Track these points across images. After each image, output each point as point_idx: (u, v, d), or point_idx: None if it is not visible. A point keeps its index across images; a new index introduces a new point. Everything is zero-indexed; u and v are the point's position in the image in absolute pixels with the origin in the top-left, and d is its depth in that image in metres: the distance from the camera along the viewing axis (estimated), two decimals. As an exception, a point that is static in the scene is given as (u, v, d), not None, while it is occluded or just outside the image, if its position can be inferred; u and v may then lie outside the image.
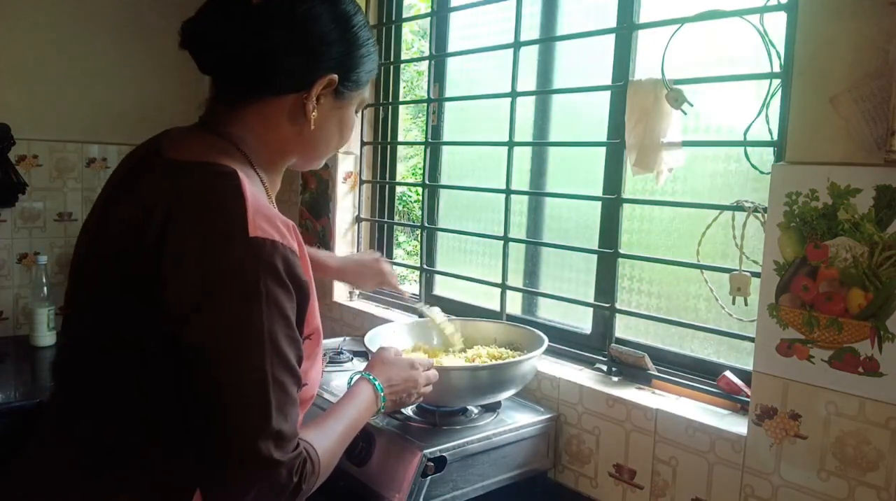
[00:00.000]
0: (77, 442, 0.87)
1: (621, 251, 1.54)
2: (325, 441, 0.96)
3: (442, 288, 2.10)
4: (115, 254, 0.86)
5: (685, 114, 1.36)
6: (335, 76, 0.93)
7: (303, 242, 0.90)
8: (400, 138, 2.33)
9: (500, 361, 1.44)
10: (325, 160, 1.06)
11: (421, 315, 1.66)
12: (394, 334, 1.59)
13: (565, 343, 1.66)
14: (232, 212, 0.81)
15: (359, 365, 1.75)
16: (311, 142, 0.98)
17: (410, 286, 2.32)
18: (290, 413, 0.83)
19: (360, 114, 1.08)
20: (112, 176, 0.98)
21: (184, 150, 0.89)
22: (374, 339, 1.48)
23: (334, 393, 1.54)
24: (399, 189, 2.44)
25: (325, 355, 1.77)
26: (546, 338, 1.48)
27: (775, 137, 1.25)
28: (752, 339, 1.25)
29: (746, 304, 1.29)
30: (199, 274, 0.79)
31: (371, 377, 1.14)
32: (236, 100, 0.93)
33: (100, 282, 0.88)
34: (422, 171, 2.07)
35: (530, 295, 1.86)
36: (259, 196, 0.86)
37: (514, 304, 1.86)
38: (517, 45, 1.73)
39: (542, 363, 1.55)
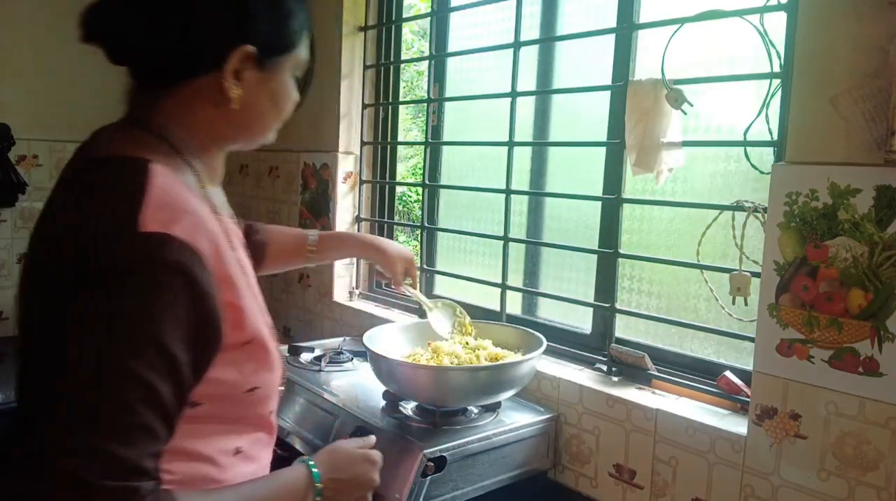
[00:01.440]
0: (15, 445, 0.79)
1: (621, 251, 1.53)
2: None
3: (442, 288, 2.10)
4: (31, 257, 0.83)
5: (685, 114, 1.36)
6: (250, 47, 0.84)
7: (227, 247, 0.83)
8: (400, 138, 2.33)
9: (499, 362, 1.44)
10: (272, 135, 0.97)
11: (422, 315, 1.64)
12: (393, 334, 1.59)
13: (565, 343, 1.66)
14: (124, 205, 0.74)
15: (359, 364, 1.75)
16: (243, 121, 0.90)
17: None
18: (137, 439, 0.70)
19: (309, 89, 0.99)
20: None
21: (106, 146, 0.85)
22: (374, 339, 1.48)
23: (334, 393, 1.54)
24: (399, 189, 2.44)
25: (324, 355, 1.77)
26: (544, 340, 1.48)
27: (775, 137, 1.25)
28: (752, 339, 1.25)
29: (746, 304, 1.28)
30: (80, 268, 0.73)
31: (311, 463, 0.94)
32: (151, 90, 0.88)
33: (25, 288, 0.84)
34: (422, 171, 2.07)
35: (530, 295, 1.86)
36: (174, 189, 0.79)
37: (514, 304, 1.86)
38: (517, 44, 1.73)
39: (541, 363, 1.55)
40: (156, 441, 0.73)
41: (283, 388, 0.98)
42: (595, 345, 1.62)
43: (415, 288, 1.54)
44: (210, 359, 0.80)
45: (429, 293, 2.09)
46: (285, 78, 0.91)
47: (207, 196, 0.89)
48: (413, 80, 4.05)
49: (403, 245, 1.54)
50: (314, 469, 0.93)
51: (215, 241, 0.79)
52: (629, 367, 1.51)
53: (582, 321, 1.70)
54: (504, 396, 1.44)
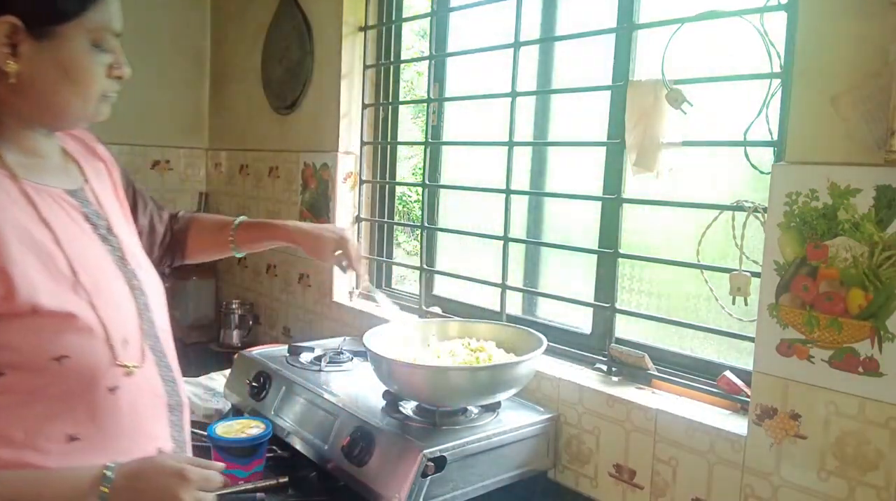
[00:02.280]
0: None
1: (621, 251, 1.54)
2: None
3: (442, 288, 2.10)
4: None
5: (685, 113, 1.36)
6: (11, 17, 0.83)
7: (5, 210, 0.85)
8: (400, 138, 2.33)
9: (499, 362, 1.44)
10: (89, 111, 0.94)
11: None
12: (393, 334, 1.59)
13: (565, 343, 1.66)
14: None
15: (359, 364, 1.75)
16: (34, 97, 0.89)
17: (411, 285, 2.32)
18: None
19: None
20: None
21: None
22: (374, 339, 1.48)
23: (334, 393, 1.54)
24: (399, 189, 2.44)
25: (324, 355, 1.77)
26: (545, 340, 1.48)
27: (775, 137, 1.25)
28: (752, 339, 1.25)
29: (746, 304, 1.28)
30: None
31: (109, 465, 0.86)
32: None
33: None
34: (421, 171, 2.08)
35: (530, 295, 1.86)
36: None
37: (514, 304, 1.86)
38: (517, 44, 1.73)
39: (541, 363, 1.55)
40: None
41: (133, 366, 0.93)
42: (595, 345, 1.62)
43: (355, 270, 1.39)
44: None
45: (428, 292, 2.09)
46: (74, 47, 0.88)
47: (5, 163, 0.88)
48: (413, 80, 4.05)
49: (338, 228, 1.42)
50: (108, 473, 0.85)
51: None
52: (629, 367, 1.51)
53: (582, 321, 1.70)
54: (504, 396, 1.44)
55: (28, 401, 0.85)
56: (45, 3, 0.85)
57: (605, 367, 1.56)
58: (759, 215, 1.24)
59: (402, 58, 2.29)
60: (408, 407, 1.47)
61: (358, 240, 2.30)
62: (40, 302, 0.84)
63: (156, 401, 0.99)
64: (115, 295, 0.95)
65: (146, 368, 0.97)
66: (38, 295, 0.84)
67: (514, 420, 1.45)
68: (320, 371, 1.70)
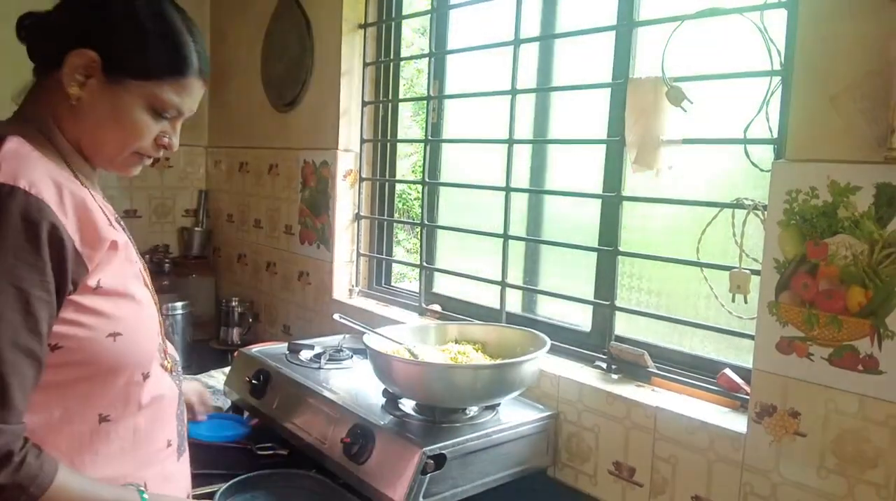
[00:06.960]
0: None
1: (621, 249, 1.53)
2: (73, 481, 0.85)
3: (442, 286, 2.10)
4: None
5: (685, 111, 1.36)
6: (93, 53, 0.89)
7: (105, 226, 0.90)
8: (400, 136, 2.33)
9: (504, 360, 1.44)
10: (118, 160, 0.98)
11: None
12: (393, 332, 1.59)
13: (565, 341, 1.66)
14: None
15: (358, 362, 1.75)
16: (84, 125, 0.93)
17: (411, 284, 2.32)
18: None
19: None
20: None
21: None
22: (373, 337, 1.47)
23: (334, 391, 1.54)
24: (399, 186, 2.44)
25: (324, 353, 1.77)
26: (548, 340, 1.47)
27: (775, 135, 1.25)
28: (751, 337, 1.25)
29: (746, 302, 1.28)
30: None
31: (142, 491, 0.94)
32: (33, 82, 0.97)
33: None
34: (421, 169, 2.07)
35: (530, 293, 1.85)
36: (31, 158, 0.85)
37: (514, 302, 1.86)
38: (517, 42, 1.73)
39: (541, 361, 1.55)
40: (16, 390, 0.80)
41: (165, 365, 1.02)
42: (595, 343, 1.62)
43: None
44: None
45: (428, 290, 2.09)
46: (131, 101, 0.93)
47: (75, 173, 0.94)
48: (413, 77, 4.04)
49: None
50: (144, 497, 0.93)
51: (95, 223, 0.88)
52: (629, 365, 1.51)
53: (582, 319, 1.70)
54: (507, 397, 1.44)
55: (75, 380, 0.88)
56: (132, 57, 0.92)
57: (604, 365, 1.55)
58: (759, 213, 1.24)
59: (402, 55, 2.28)
60: (407, 405, 1.47)
61: (358, 238, 2.30)
62: (112, 284, 0.90)
63: (169, 393, 1.03)
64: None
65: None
66: (112, 277, 0.90)
67: (513, 418, 1.45)
68: (320, 368, 1.70)
